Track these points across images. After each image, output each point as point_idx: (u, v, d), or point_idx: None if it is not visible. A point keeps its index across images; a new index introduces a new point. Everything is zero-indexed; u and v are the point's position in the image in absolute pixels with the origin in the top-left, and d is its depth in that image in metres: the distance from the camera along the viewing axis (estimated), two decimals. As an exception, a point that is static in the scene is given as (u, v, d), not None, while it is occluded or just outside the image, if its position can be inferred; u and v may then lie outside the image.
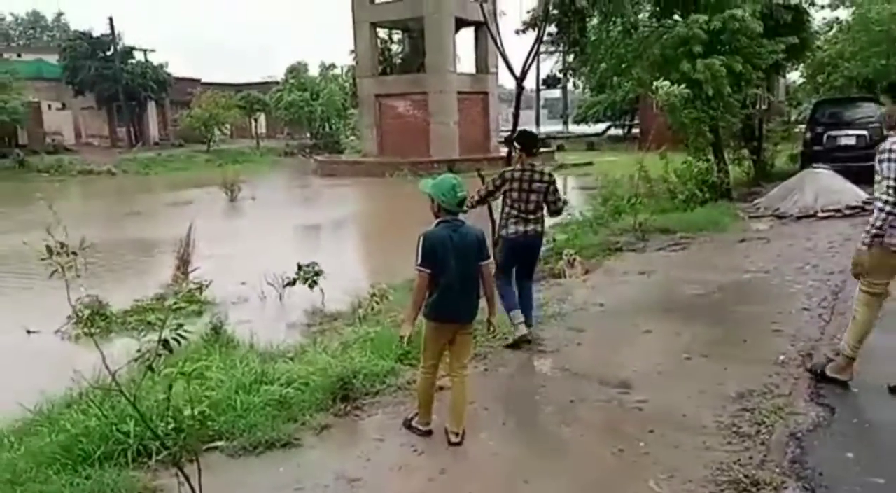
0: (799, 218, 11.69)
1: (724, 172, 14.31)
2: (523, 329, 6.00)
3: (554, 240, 10.67)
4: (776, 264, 8.64)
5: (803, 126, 17.87)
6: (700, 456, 4.07)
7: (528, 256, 6.29)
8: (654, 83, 10.07)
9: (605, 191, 13.50)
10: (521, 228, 6.07)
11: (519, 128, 7.85)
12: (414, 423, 4.51)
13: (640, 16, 14.75)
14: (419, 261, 4.20)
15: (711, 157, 14.10)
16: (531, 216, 6.07)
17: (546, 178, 6.08)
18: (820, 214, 11.68)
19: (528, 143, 6.17)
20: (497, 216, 6.50)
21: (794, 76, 27.76)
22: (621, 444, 4.26)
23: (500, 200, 6.27)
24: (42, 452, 4.22)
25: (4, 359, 7.75)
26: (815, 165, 13.38)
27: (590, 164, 30.42)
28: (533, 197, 6.02)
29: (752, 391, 4.88)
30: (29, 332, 8.58)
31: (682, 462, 4.00)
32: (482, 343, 5.96)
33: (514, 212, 6.05)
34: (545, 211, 6.20)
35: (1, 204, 21.90)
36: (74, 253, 3.10)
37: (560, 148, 39.60)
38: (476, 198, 6.11)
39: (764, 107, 17.87)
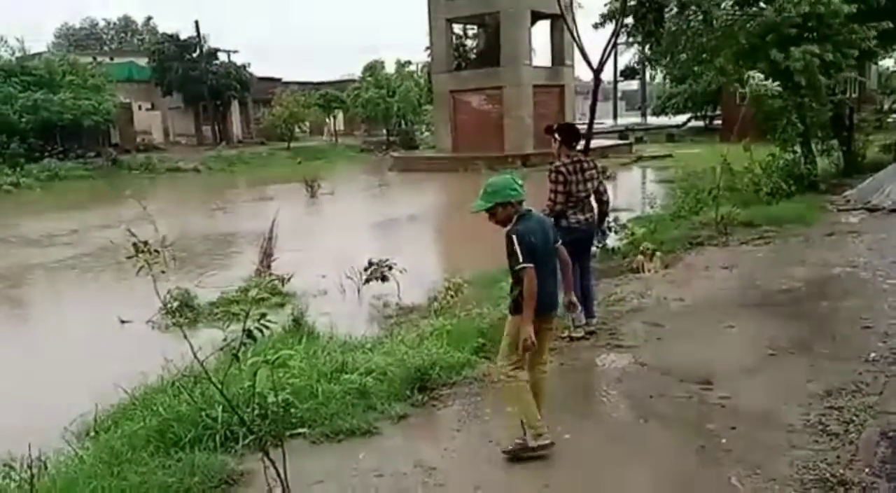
0: (892, 211, 11.12)
1: (811, 164, 13.77)
2: (583, 320, 6.14)
3: (632, 234, 10.51)
4: (867, 258, 8.27)
5: (898, 115, 17.00)
6: (785, 454, 3.96)
7: (587, 244, 6.43)
8: (745, 73, 9.71)
9: (686, 183, 13.20)
10: (580, 216, 6.13)
11: (595, 120, 7.80)
12: (528, 443, 4.04)
13: (723, 4, 14.31)
14: (523, 259, 3.97)
15: (798, 148, 13.57)
16: (587, 204, 6.21)
17: (594, 165, 6.26)
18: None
19: (568, 135, 6.22)
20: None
21: (889, 63, 26.40)
22: (702, 440, 4.19)
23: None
24: (137, 435, 4.45)
25: (101, 347, 8.19)
26: (910, 155, 12.73)
27: (669, 156, 29.75)
28: (588, 185, 6.14)
29: (841, 389, 4.70)
30: (122, 322, 9.02)
31: (765, 460, 3.90)
32: (556, 337, 5.95)
33: (573, 201, 6.07)
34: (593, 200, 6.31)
35: (96, 201, 23.05)
36: (157, 251, 3.26)
37: (639, 140, 38.86)
38: (557, 206, 6.06)
39: (855, 95, 17.07)
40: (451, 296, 8.34)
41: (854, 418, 4.29)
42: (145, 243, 3.11)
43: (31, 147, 33.72)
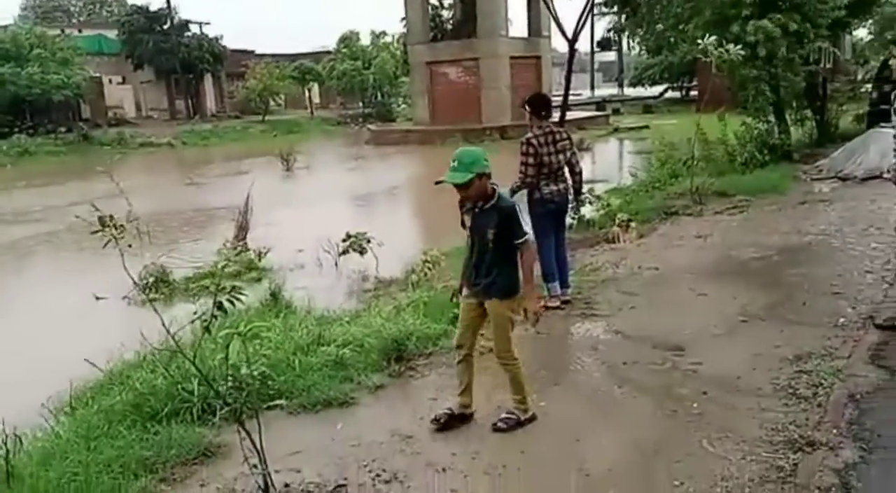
0: (863, 180, 11.26)
1: (785, 134, 13.87)
2: (558, 290, 6.24)
3: (608, 205, 10.58)
4: (838, 226, 8.40)
5: (870, 85, 17.12)
6: (755, 417, 4.05)
7: (562, 215, 6.49)
8: (704, 42, 9.73)
9: (662, 154, 13.26)
10: (553, 187, 6.16)
11: (572, 92, 7.80)
12: (520, 418, 4.11)
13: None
14: (523, 231, 4.01)
15: (772, 118, 13.67)
16: (560, 175, 6.23)
17: (566, 136, 6.30)
18: (885, 176, 11.18)
19: (538, 105, 6.21)
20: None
21: (862, 33, 26.57)
22: (674, 405, 4.26)
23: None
24: (113, 409, 4.44)
25: (76, 324, 8.12)
26: (881, 124, 12.84)
27: (646, 127, 29.81)
28: (560, 157, 6.15)
29: (811, 354, 4.81)
30: (97, 298, 8.94)
31: (736, 423, 3.99)
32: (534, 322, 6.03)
33: (545, 173, 6.09)
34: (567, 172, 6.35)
35: (68, 177, 22.68)
36: (123, 226, 3.22)
37: (616, 111, 38.87)
38: (528, 178, 6.08)
39: (829, 65, 17.15)
40: (429, 269, 8.35)
41: (823, 381, 4.39)
42: (111, 218, 3.07)
43: (-1, 122, 33.05)
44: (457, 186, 3.88)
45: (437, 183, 3.93)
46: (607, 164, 21.76)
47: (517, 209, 3.98)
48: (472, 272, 4.10)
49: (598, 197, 10.90)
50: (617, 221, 9.08)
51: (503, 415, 4.13)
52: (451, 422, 4.11)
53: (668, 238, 8.66)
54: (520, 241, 3.96)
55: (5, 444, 3.82)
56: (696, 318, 5.72)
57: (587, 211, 10.06)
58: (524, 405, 4.12)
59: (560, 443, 3.94)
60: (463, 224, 4.15)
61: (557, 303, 6.17)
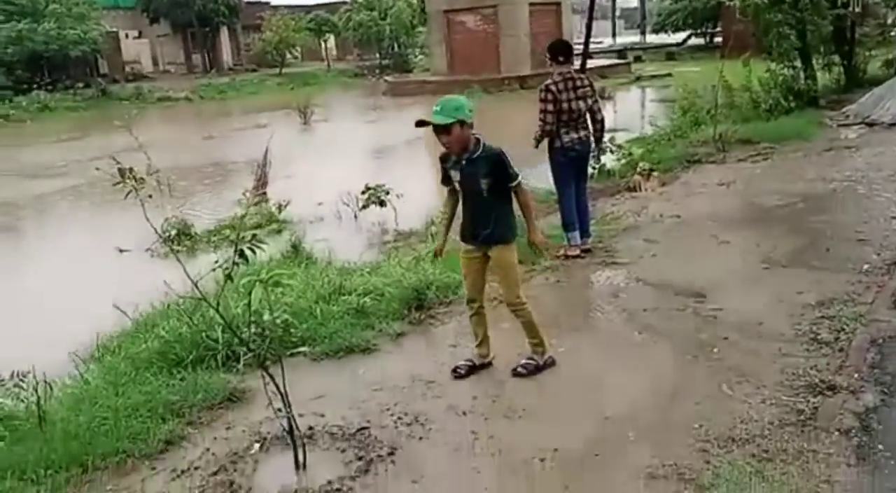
0: (891, 125, 11.02)
1: (811, 79, 13.53)
2: (578, 239, 6.19)
3: (630, 154, 10.44)
4: (864, 172, 8.24)
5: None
6: (775, 362, 4.04)
7: (584, 163, 6.41)
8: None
9: (685, 102, 13.01)
10: (574, 135, 6.07)
11: (592, 40, 7.63)
12: (538, 362, 4.14)
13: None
14: (517, 173, 3.97)
15: (798, 63, 13.32)
16: (581, 122, 6.11)
17: (587, 83, 6.14)
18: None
19: (557, 50, 6.09)
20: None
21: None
22: (695, 350, 4.27)
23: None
24: (140, 356, 4.53)
25: (101, 276, 8.23)
26: (911, 68, 12.52)
27: (668, 75, 29.20)
28: (581, 103, 6.03)
29: (833, 300, 4.77)
30: (121, 251, 9.04)
31: (756, 368, 3.99)
32: (551, 256, 6.03)
33: (565, 119, 5.99)
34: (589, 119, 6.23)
35: (88, 132, 22.76)
36: (143, 178, 3.23)
37: (637, 59, 38.10)
38: (547, 126, 6.00)
39: (857, 9, 16.62)
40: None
41: (845, 326, 4.37)
42: (130, 170, 3.08)
43: (18, 79, 33.07)
44: (437, 131, 3.85)
45: (419, 123, 3.90)
46: (629, 113, 21.39)
47: (504, 154, 3.93)
48: (469, 226, 4.06)
49: (620, 146, 10.75)
50: (638, 170, 8.98)
51: (523, 361, 4.16)
52: (472, 372, 4.16)
53: (690, 186, 8.56)
54: (514, 183, 3.95)
55: (36, 390, 3.92)
56: (717, 265, 5.68)
57: (608, 160, 9.95)
58: (542, 348, 4.15)
59: (579, 387, 3.97)
60: (444, 180, 4.11)
61: (578, 252, 6.14)
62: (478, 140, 3.92)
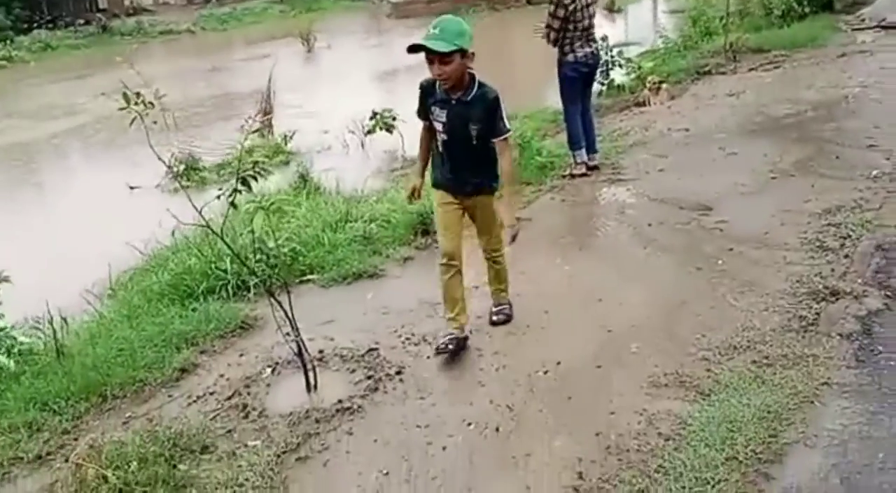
0: (909, 27, 10.65)
1: (827, -19, 13.02)
2: (584, 156, 6.09)
3: (639, 68, 10.21)
4: (877, 78, 8.01)
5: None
6: (779, 271, 4.06)
7: (591, 78, 6.30)
8: None
9: (694, 12, 12.62)
10: (587, 49, 5.94)
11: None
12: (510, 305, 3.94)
13: None
14: (509, 124, 3.49)
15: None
16: (591, 35, 5.96)
17: None
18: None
19: None
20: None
21: None
22: (699, 263, 4.28)
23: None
24: (152, 290, 4.63)
25: (112, 213, 8.31)
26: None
27: (680, -16, 28.22)
28: (588, 12, 5.85)
29: (840, 207, 4.74)
30: (131, 188, 9.09)
31: (760, 277, 4.01)
32: (557, 175, 6.01)
33: (577, 33, 5.83)
34: None
35: (91, 69, 22.53)
36: (151, 103, 3.19)
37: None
38: (552, 33, 5.84)
39: None
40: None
41: (850, 233, 4.36)
42: (137, 95, 3.04)
43: (18, 18, 32.55)
44: (431, 58, 3.26)
45: (413, 48, 3.27)
46: (640, 26, 20.78)
47: (500, 101, 3.39)
48: (451, 174, 3.56)
49: (630, 60, 10.51)
50: (647, 84, 8.80)
51: (494, 309, 3.88)
52: (461, 348, 3.61)
53: (699, 98, 8.40)
54: (501, 137, 3.42)
55: (52, 325, 4.03)
56: (724, 177, 5.63)
57: (617, 75, 9.76)
58: (507, 294, 3.92)
59: (583, 303, 4.02)
60: (422, 114, 3.59)
61: (584, 170, 6.09)
62: (473, 77, 3.38)
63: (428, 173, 3.78)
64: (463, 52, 3.25)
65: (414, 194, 3.78)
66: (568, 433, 2.96)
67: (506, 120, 3.41)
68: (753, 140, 6.48)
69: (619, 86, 9.58)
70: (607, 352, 3.49)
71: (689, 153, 6.42)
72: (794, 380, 3.09)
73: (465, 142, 3.45)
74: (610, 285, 4.15)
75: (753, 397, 3.01)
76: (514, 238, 3.55)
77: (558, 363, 3.42)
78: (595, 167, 6.16)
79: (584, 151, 6.10)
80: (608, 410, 3.07)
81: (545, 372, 3.38)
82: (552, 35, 5.83)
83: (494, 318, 3.85)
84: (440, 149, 3.55)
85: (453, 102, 3.40)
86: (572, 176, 6.06)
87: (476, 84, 3.38)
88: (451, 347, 3.56)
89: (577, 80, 6.01)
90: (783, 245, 4.35)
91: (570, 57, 5.89)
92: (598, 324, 3.74)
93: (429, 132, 3.63)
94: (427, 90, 3.51)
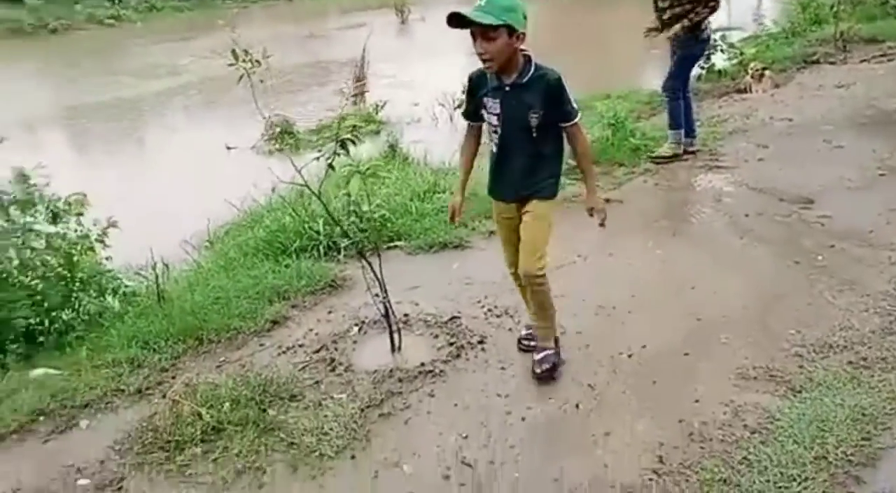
0: None
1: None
2: (683, 139, 5.93)
3: (741, 53, 9.84)
4: None
5: None
6: (882, 272, 3.89)
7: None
8: None
9: (805, -3, 12.04)
10: (712, 25, 5.74)
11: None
12: (556, 347, 3.32)
13: None
14: (577, 108, 3.01)
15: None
16: None
17: None
18: None
19: None
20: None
21: None
22: (797, 257, 4.14)
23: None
24: (248, 244, 4.81)
25: (211, 171, 8.63)
26: None
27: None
28: None
29: (954, 209, 4.48)
30: (228, 148, 9.41)
31: (861, 276, 3.85)
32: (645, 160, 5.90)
33: (707, 12, 5.54)
34: None
35: (194, 31, 23.28)
36: (258, 61, 3.29)
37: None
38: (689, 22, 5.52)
39: None
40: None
41: (963, 237, 4.12)
42: (245, 52, 3.14)
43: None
44: (475, 34, 2.83)
45: (453, 20, 2.81)
46: (743, 10, 20.01)
47: (564, 84, 2.93)
48: (507, 178, 3.10)
49: (732, 45, 10.13)
50: (750, 71, 8.48)
51: (537, 358, 3.23)
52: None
53: (805, 88, 8.04)
54: (570, 123, 2.98)
55: (155, 270, 4.24)
56: (829, 171, 5.40)
57: (718, 60, 9.44)
58: (553, 332, 3.31)
59: (673, 290, 3.94)
60: (470, 113, 3.16)
61: (670, 153, 5.90)
62: (529, 58, 2.93)
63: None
64: (511, 31, 2.80)
65: (454, 214, 3.31)
66: (650, 416, 2.93)
67: (574, 102, 2.97)
68: (862, 134, 6.18)
69: (719, 71, 9.26)
70: (696, 340, 3.43)
71: (791, 144, 6.17)
72: (892, 384, 2.97)
73: (523, 134, 2.97)
74: (703, 273, 4.06)
75: (848, 397, 2.90)
76: (602, 222, 3.14)
77: (644, 347, 3.39)
78: (692, 152, 6.00)
79: (682, 132, 5.93)
80: (693, 397, 3.02)
81: (630, 355, 3.34)
82: (694, 18, 5.51)
83: (536, 369, 3.20)
84: (494, 149, 3.10)
85: (507, 87, 2.94)
86: (656, 161, 5.87)
87: (533, 66, 2.93)
88: (531, 344, 3.34)
89: (698, 59, 5.88)
90: (888, 245, 4.15)
91: (705, 34, 5.68)
92: (687, 311, 3.67)
93: (474, 138, 3.22)
94: (477, 81, 3.05)
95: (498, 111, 2.98)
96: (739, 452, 2.69)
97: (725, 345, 3.37)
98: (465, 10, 2.77)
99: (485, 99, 3.02)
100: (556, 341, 3.34)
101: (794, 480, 2.53)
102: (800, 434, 2.73)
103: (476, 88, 3.05)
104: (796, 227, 4.55)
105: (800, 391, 2.99)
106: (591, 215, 3.14)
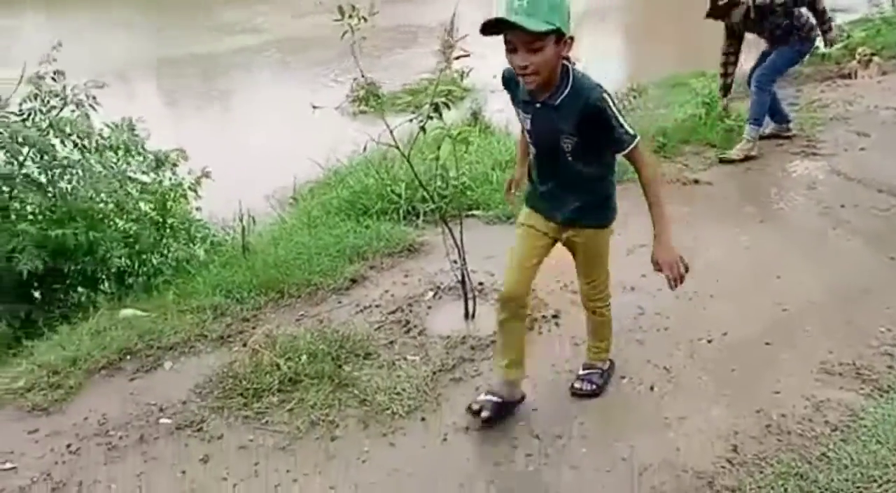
0: None
1: None
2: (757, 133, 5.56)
3: (849, 37, 9.35)
4: None
5: None
6: None
7: None
8: None
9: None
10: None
11: None
12: (607, 366, 3.05)
13: None
14: (631, 129, 2.40)
15: None
16: None
17: None
18: None
19: None
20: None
21: None
22: (893, 252, 3.94)
23: None
24: (330, 203, 4.91)
25: (295, 130, 8.78)
26: None
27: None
28: None
29: None
30: (314, 107, 9.52)
31: (965, 278, 3.64)
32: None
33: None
34: None
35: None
36: (364, 18, 3.30)
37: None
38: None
39: None
40: (634, 97, 8.02)
41: None
42: (353, 7, 3.15)
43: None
44: (515, 41, 2.25)
45: (488, 28, 2.22)
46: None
47: (608, 99, 2.34)
48: (543, 193, 2.66)
49: (840, 27, 9.62)
50: (857, 56, 8.06)
51: (581, 372, 3.01)
52: (501, 414, 2.76)
53: (916, 76, 7.60)
54: (627, 150, 2.40)
55: (242, 221, 4.37)
56: (936, 165, 5.11)
57: (821, 43, 8.97)
58: (607, 353, 3.04)
59: (758, 277, 3.82)
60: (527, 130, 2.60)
61: (741, 156, 5.43)
62: (567, 70, 2.37)
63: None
64: (559, 36, 2.26)
65: (510, 189, 3.01)
66: (726, 404, 2.87)
67: (625, 124, 2.36)
68: (977, 128, 5.81)
69: (822, 54, 8.81)
70: (779, 330, 3.32)
71: (896, 134, 5.86)
72: None
73: (555, 156, 2.51)
74: (790, 263, 3.92)
75: (940, 402, 2.77)
76: (675, 283, 2.47)
77: (724, 334, 3.30)
78: (788, 137, 5.75)
79: (760, 129, 5.62)
80: (773, 389, 2.94)
81: (709, 341, 3.27)
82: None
83: (576, 385, 2.96)
84: (532, 158, 2.68)
85: (537, 105, 2.43)
86: (747, 158, 5.52)
87: (570, 80, 2.36)
88: (485, 414, 2.70)
89: (804, 57, 5.66)
90: None
91: (813, 33, 5.41)
92: (772, 300, 3.55)
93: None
94: (508, 84, 2.54)
95: (529, 127, 2.53)
96: (818, 448, 2.60)
97: (809, 338, 3.26)
98: (507, 16, 2.19)
99: (517, 109, 2.57)
100: (612, 364, 3.05)
101: (875, 481, 2.44)
102: (884, 435, 2.62)
103: (510, 93, 2.56)
104: (895, 221, 4.33)
105: (887, 391, 2.87)
106: (658, 270, 2.49)
